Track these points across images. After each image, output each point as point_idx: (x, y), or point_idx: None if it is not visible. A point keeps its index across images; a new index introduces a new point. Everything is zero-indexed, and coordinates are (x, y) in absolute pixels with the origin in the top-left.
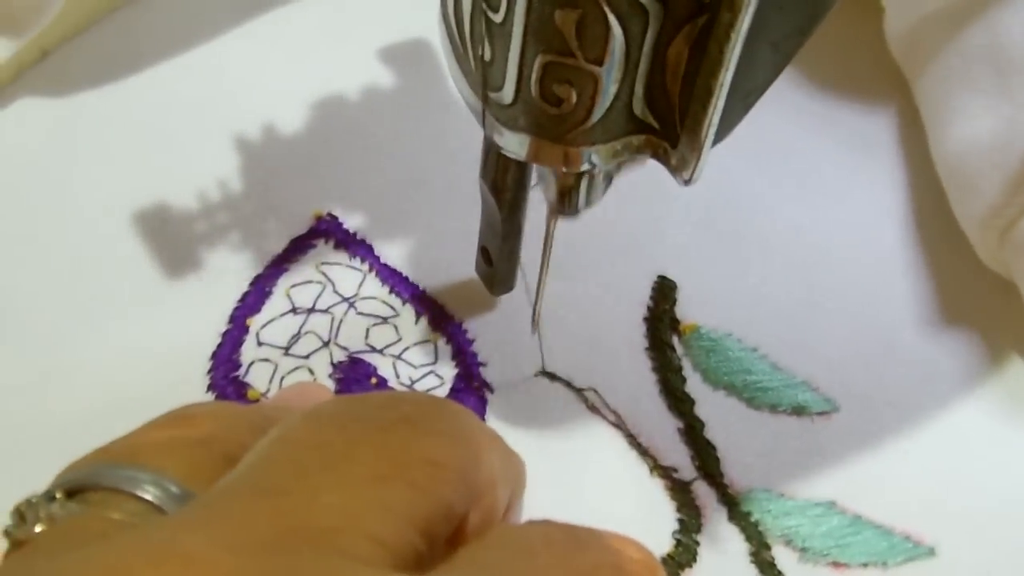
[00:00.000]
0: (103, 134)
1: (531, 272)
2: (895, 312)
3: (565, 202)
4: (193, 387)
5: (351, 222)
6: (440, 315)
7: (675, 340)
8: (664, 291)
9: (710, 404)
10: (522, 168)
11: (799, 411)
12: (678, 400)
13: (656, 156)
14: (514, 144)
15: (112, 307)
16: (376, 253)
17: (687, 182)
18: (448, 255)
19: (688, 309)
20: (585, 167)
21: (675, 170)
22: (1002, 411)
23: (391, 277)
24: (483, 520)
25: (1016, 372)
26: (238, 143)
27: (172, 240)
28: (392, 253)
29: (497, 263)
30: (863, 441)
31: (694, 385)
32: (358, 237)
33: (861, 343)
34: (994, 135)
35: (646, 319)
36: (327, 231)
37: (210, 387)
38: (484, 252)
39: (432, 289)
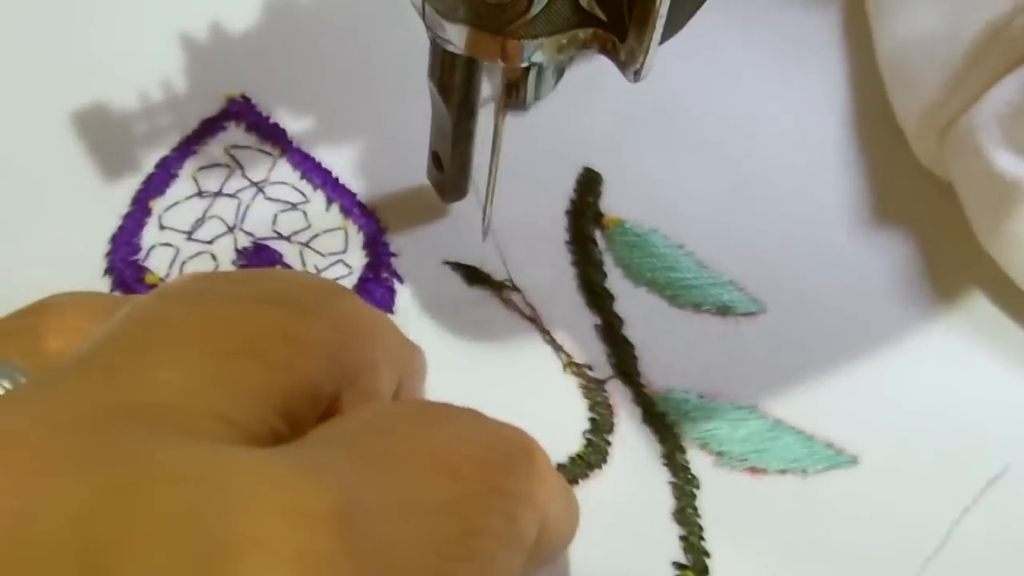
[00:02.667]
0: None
1: (480, 178)
2: (828, 212)
3: (512, 95)
4: (89, 271)
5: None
6: (352, 202)
7: (598, 234)
8: (588, 183)
9: (631, 301)
10: (470, 67)
11: (724, 311)
12: (597, 296)
13: (604, 51)
14: (454, 37)
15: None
16: (289, 137)
17: (636, 78)
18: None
19: (613, 203)
20: (525, 63)
21: (623, 66)
22: (934, 317)
23: (303, 162)
24: (359, 403)
25: (950, 277)
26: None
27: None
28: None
29: (448, 169)
30: (789, 345)
31: (615, 281)
32: (271, 121)
33: (792, 243)
34: (937, 32)
35: (568, 212)
36: (238, 113)
37: (107, 271)
38: (435, 157)
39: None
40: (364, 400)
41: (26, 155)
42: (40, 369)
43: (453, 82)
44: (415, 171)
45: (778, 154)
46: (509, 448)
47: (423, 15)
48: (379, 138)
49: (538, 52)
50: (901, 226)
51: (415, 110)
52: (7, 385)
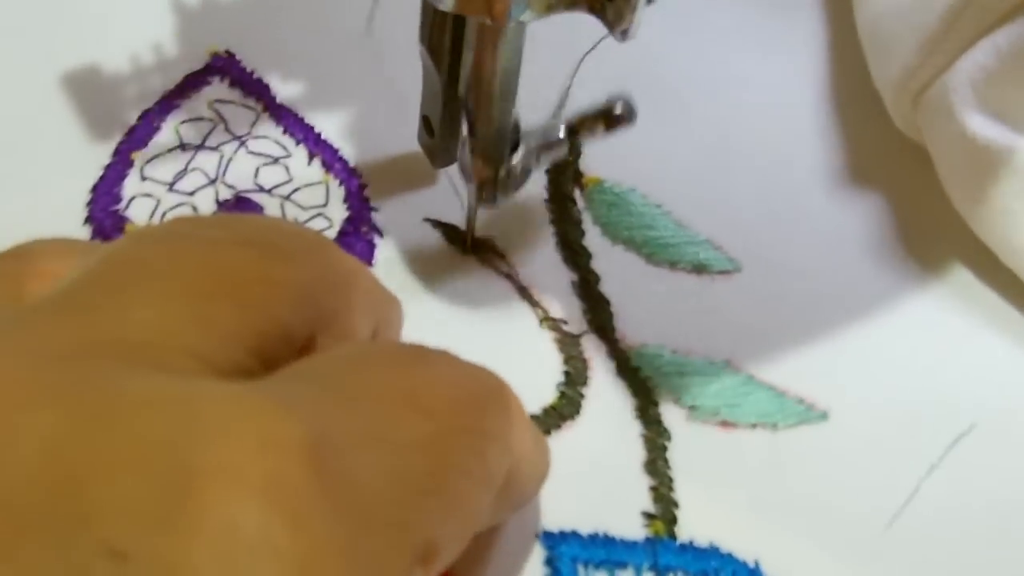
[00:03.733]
0: None
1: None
2: (805, 174)
3: (482, 195)
4: (70, 220)
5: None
6: (334, 157)
7: (577, 193)
8: (569, 143)
9: (608, 258)
10: (459, 29)
11: (700, 269)
12: (574, 253)
13: (592, 10)
14: None
15: None
16: (272, 93)
17: (623, 37)
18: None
19: (593, 163)
20: (515, 20)
21: (611, 25)
22: (907, 279)
23: (286, 117)
24: (334, 346)
25: (923, 239)
26: None
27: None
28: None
29: (438, 133)
30: (763, 303)
31: (593, 239)
32: (255, 76)
33: (769, 205)
34: None
35: (548, 171)
36: (222, 69)
37: (88, 220)
38: (426, 121)
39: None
40: (339, 343)
41: (10, 107)
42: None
43: (442, 44)
44: (404, 135)
45: (757, 117)
46: (481, 389)
47: None
48: (368, 102)
49: (527, 10)
50: (876, 189)
51: (406, 72)
52: None
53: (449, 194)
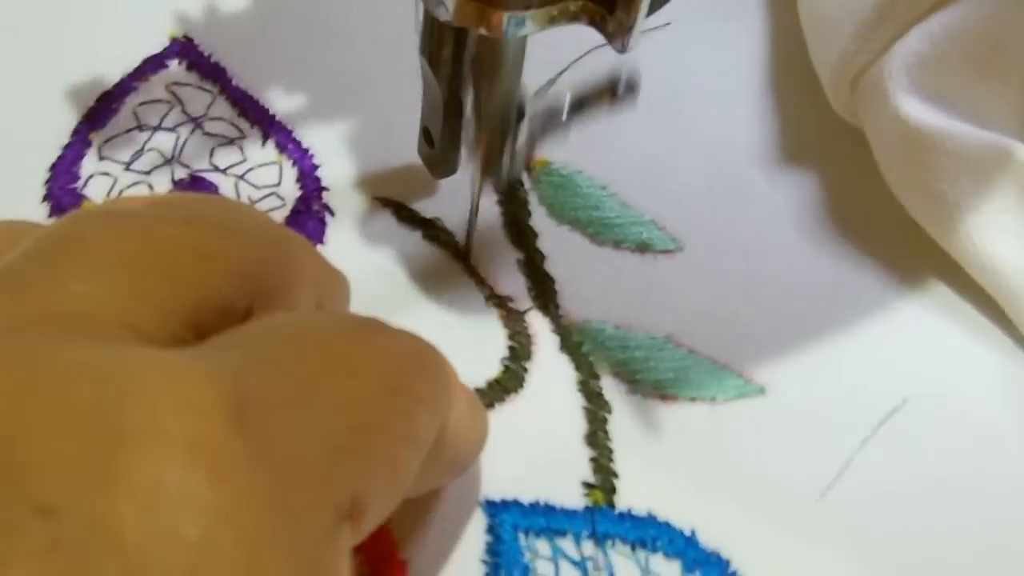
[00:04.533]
0: None
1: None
2: (747, 158)
3: (489, 166)
4: (28, 198)
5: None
6: (287, 138)
7: (524, 175)
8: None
9: (553, 238)
10: (460, 41)
11: (643, 248)
12: (521, 233)
13: (593, 23)
14: (446, 7)
15: None
16: (229, 75)
17: (623, 49)
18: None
19: (540, 145)
20: (515, 33)
21: (611, 37)
22: (843, 258)
23: (242, 100)
24: None
25: (859, 219)
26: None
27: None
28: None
29: (439, 144)
30: (704, 281)
31: (539, 219)
32: (212, 60)
33: (711, 187)
34: None
35: None
36: (180, 52)
37: (46, 197)
38: (426, 133)
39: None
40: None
41: None
42: None
43: (443, 55)
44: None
45: (700, 102)
46: (408, 353)
47: None
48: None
49: (528, 23)
50: (815, 171)
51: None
52: None
53: (446, 203)
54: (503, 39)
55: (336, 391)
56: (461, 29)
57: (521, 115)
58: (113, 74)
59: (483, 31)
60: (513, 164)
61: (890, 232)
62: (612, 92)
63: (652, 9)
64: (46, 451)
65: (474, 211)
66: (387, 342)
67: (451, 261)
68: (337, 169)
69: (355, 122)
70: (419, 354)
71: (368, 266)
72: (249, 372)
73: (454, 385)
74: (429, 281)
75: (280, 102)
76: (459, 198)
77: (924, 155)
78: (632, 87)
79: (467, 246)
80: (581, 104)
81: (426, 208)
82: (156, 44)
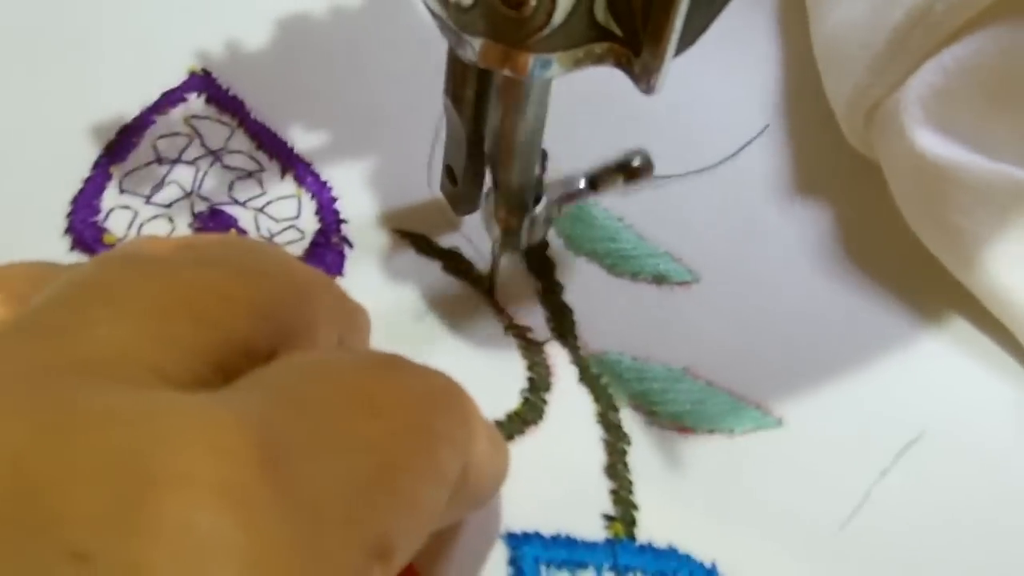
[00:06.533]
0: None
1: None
2: (762, 190)
3: (509, 241)
4: (50, 231)
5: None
6: (306, 171)
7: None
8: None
9: (571, 269)
10: (483, 81)
11: (660, 280)
12: (539, 263)
13: (619, 65)
14: (471, 49)
15: None
16: (247, 109)
17: (649, 90)
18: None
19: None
20: (541, 76)
21: (637, 79)
22: (859, 290)
23: (260, 133)
24: None
25: (874, 253)
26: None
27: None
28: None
29: (462, 182)
30: (721, 312)
31: (557, 250)
32: (230, 93)
33: (727, 219)
34: (865, 17)
35: None
36: (199, 86)
37: (67, 230)
38: (448, 171)
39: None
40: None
41: None
42: None
43: (467, 95)
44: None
45: (716, 135)
46: (431, 390)
47: (441, 27)
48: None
49: (554, 65)
50: (830, 204)
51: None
52: None
53: (466, 234)
54: (528, 81)
55: (360, 431)
56: (485, 70)
57: (539, 198)
58: (133, 108)
59: (508, 72)
60: (531, 235)
61: (906, 265)
62: (627, 169)
63: (679, 50)
64: (78, 497)
65: (495, 269)
66: (409, 380)
67: (470, 293)
68: (355, 202)
69: (373, 155)
70: (441, 391)
71: (387, 298)
72: (275, 415)
73: (476, 420)
74: (448, 313)
75: (298, 135)
76: (479, 231)
77: (940, 187)
78: (647, 166)
79: (491, 288)
80: (595, 182)
81: (445, 242)
82: (175, 78)
